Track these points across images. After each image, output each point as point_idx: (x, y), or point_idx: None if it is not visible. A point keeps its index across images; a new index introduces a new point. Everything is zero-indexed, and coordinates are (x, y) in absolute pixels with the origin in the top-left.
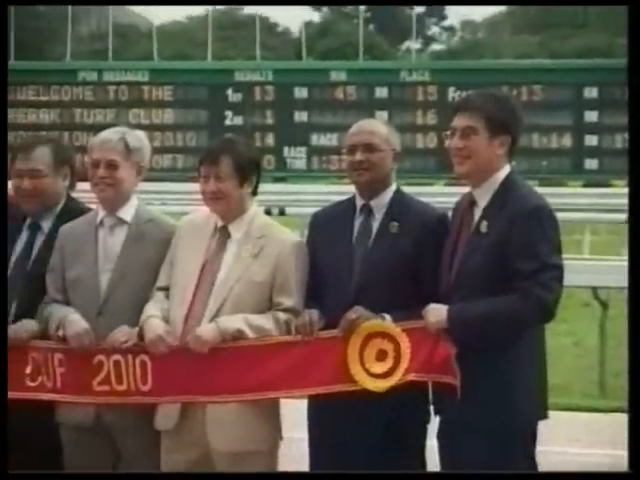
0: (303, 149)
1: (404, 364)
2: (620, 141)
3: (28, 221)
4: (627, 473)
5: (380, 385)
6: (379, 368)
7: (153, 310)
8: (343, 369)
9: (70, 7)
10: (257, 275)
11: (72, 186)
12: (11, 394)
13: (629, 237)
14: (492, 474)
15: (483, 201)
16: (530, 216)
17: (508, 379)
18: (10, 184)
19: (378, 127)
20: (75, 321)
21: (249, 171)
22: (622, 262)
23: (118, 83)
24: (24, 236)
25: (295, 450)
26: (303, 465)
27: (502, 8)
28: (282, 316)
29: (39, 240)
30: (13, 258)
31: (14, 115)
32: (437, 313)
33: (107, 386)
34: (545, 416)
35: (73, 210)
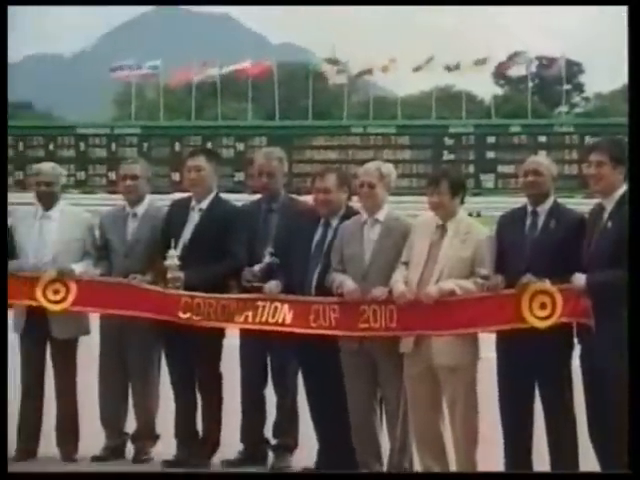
0: (492, 175)
1: (558, 311)
2: None
3: (322, 221)
4: (627, 473)
5: (542, 324)
6: (542, 313)
7: (398, 276)
8: (518, 314)
9: (346, 86)
10: (464, 255)
11: (349, 199)
12: (298, 330)
13: (629, 238)
14: (492, 474)
15: (609, 207)
16: None
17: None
18: (310, 198)
19: (542, 160)
20: (349, 283)
21: (458, 188)
22: None
23: (375, 134)
24: (319, 231)
25: (488, 366)
26: (492, 373)
27: (621, 86)
28: (479, 280)
29: (329, 233)
30: (313, 244)
31: (311, 154)
32: (579, 279)
33: (366, 324)
34: None
35: (350, 213)
